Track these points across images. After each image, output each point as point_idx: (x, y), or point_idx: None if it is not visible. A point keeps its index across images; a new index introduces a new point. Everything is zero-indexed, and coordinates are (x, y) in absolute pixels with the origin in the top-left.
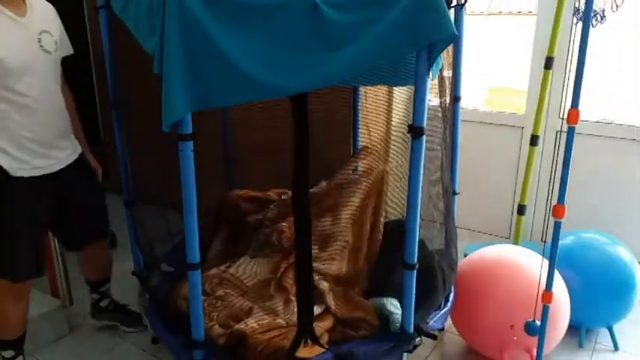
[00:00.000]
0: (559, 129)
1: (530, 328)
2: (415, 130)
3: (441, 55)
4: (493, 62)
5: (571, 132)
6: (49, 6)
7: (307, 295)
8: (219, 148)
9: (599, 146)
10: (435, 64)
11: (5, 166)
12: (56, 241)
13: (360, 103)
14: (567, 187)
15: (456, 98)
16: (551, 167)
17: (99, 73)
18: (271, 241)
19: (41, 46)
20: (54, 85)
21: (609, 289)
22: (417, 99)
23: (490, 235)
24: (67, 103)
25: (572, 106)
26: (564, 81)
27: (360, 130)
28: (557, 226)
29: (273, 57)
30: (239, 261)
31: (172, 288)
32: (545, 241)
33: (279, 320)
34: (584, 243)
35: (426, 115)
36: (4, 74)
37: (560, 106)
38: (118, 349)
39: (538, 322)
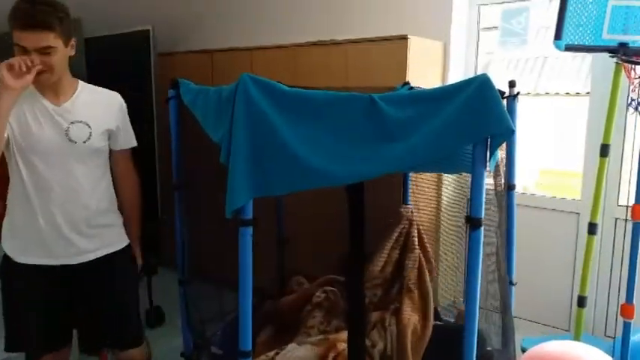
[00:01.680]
0: (617, 216)
1: None
2: (473, 222)
3: (498, 149)
4: (543, 143)
5: (637, 228)
6: (107, 98)
7: None
8: (273, 229)
9: None
10: (493, 157)
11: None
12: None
13: (410, 183)
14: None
15: (510, 186)
16: (612, 256)
17: (161, 155)
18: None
19: (68, 136)
20: (80, 173)
21: None
22: (475, 191)
23: (547, 326)
24: (123, 195)
25: (636, 201)
26: (620, 170)
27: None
28: (626, 328)
29: (333, 148)
30: (287, 347)
31: None
32: (613, 336)
33: None
34: None
35: (483, 207)
36: (31, 152)
37: (618, 194)
38: None
39: None
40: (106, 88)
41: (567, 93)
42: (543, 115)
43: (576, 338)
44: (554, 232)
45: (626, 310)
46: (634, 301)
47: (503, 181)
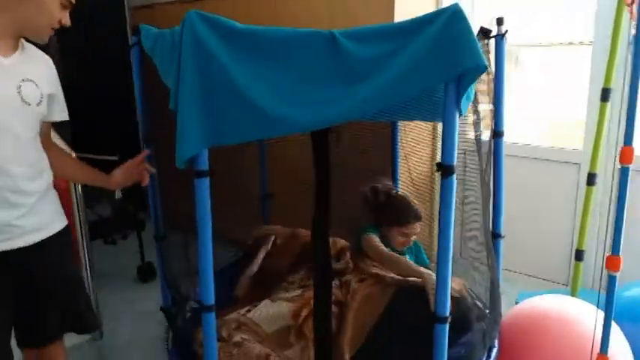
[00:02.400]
0: (620, 166)
1: None
2: (445, 169)
3: (473, 88)
4: (552, 95)
5: (625, 173)
6: (47, 58)
7: (325, 347)
8: (256, 183)
9: None
10: (465, 98)
11: None
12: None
13: (399, 138)
14: (625, 234)
15: (497, 133)
16: (613, 209)
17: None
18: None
19: (20, 95)
20: (31, 144)
21: None
22: (446, 135)
23: (547, 281)
24: (57, 162)
25: (625, 143)
26: (619, 114)
27: (399, 168)
28: (611, 281)
29: (291, 92)
30: (260, 305)
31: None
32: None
33: None
34: None
35: (456, 153)
36: None
37: (617, 142)
38: None
39: None
40: (78, 49)
41: (570, 42)
42: (550, 65)
43: (573, 293)
44: (554, 183)
45: (611, 262)
46: (621, 253)
47: (485, 127)
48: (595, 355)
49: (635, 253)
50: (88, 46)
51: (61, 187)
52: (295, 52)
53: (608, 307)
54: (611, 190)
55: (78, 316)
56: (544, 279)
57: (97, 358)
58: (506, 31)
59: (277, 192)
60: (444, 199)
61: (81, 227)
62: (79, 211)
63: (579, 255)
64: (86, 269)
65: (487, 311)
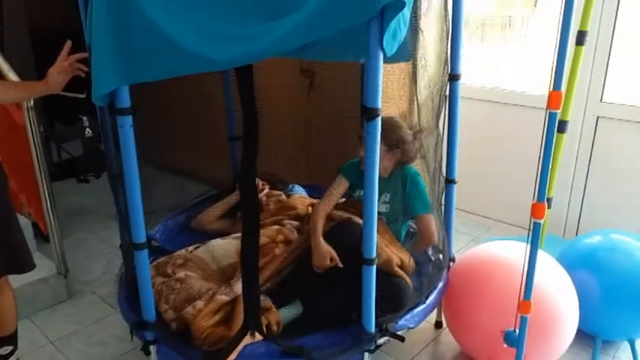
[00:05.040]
0: (599, 114)
1: (509, 339)
2: (369, 112)
3: (400, 27)
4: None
5: (552, 118)
6: None
7: (253, 284)
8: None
9: None
10: (391, 36)
11: None
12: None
13: None
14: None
15: (454, 76)
16: (589, 157)
17: None
18: None
19: None
20: None
21: (634, 297)
22: (369, 76)
23: (519, 227)
24: None
25: (553, 88)
26: (607, 63)
27: None
28: (535, 229)
29: (208, 27)
30: (209, 242)
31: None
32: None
33: (224, 297)
34: (610, 244)
35: (380, 95)
36: None
37: (603, 89)
38: (110, 319)
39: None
40: None
41: None
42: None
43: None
44: (525, 129)
45: (536, 209)
46: (544, 199)
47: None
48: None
49: (614, 204)
50: None
51: (19, 124)
52: None
53: (531, 254)
54: (594, 140)
55: (12, 254)
56: (516, 226)
57: (66, 293)
58: None
59: None
60: (369, 144)
61: (39, 164)
62: (36, 149)
63: (548, 202)
64: (47, 209)
65: (439, 255)
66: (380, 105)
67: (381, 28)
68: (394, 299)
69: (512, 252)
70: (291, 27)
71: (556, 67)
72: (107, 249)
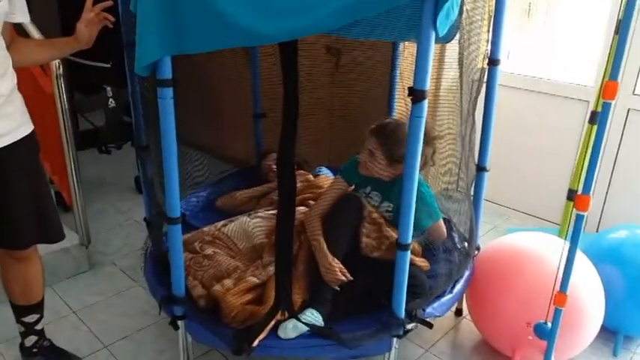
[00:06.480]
0: (630, 106)
1: (539, 331)
2: (416, 94)
3: (453, 7)
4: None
5: (605, 109)
6: None
7: (285, 264)
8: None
9: None
10: (444, 16)
11: None
12: (77, 177)
13: (398, 61)
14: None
15: (493, 61)
16: (617, 150)
17: None
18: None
19: None
20: None
21: None
22: (420, 57)
23: (541, 219)
24: (23, 53)
25: (610, 78)
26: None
27: (397, 92)
28: (578, 221)
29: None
30: (237, 220)
31: None
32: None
33: (255, 279)
34: (637, 239)
35: (429, 77)
36: None
37: (636, 82)
38: (131, 292)
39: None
40: None
41: None
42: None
43: (561, 234)
44: (560, 120)
45: (579, 201)
46: (590, 192)
47: (478, 53)
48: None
49: (638, 199)
50: None
51: (47, 93)
52: None
53: (571, 246)
54: (622, 134)
55: (45, 223)
56: (539, 217)
57: (87, 263)
58: None
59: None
60: (413, 126)
61: (66, 134)
62: (64, 118)
63: (570, 195)
64: (73, 180)
65: (465, 243)
66: (428, 87)
67: (435, 7)
68: (410, 287)
69: (539, 243)
70: (343, 3)
71: (614, 57)
72: (126, 221)
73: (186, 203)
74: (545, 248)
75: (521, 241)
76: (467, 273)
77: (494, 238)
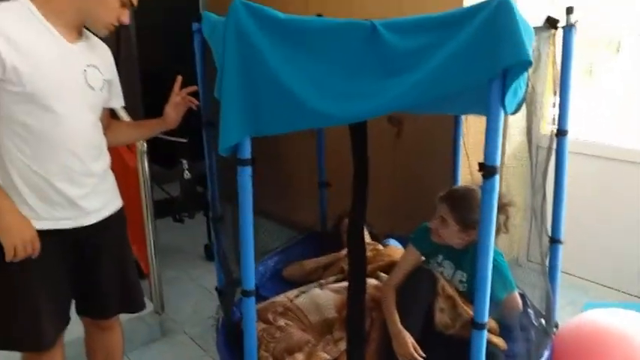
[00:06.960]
0: None
1: None
2: (487, 170)
3: (523, 85)
4: None
5: None
6: (106, 47)
7: (359, 345)
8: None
9: None
10: (512, 94)
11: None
12: (155, 246)
13: (461, 131)
14: None
15: (561, 132)
16: None
17: None
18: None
19: (86, 79)
20: (95, 127)
21: None
22: (489, 134)
23: (623, 293)
24: (115, 134)
25: None
26: None
27: (460, 161)
28: None
29: (329, 83)
30: (308, 291)
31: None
32: None
33: (326, 355)
34: None
35: (499, 152)
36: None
37: None
38: None
39: None
40: (153, 31)
41: None
42: None
43: None
44: (630, 186)
45: None
46: None
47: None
48: None
49: None
50: (161, 30)
51: (131, 166)
52: (335, 44)
53: None
54: None
55: (128, 293)
56: (617, 290)
57: (160, 331)
58: (576, 21)
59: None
60: (486, 202)
61: (146, 206)
62: (145, 190)
63: None
64: (151, 249)
65: (542, 320)
66: (498, 162)
67: (502, 87)
68: None
69: (628, 323)
70: (410, 86)
71: None
72: (196, 288)
73: (255, 272)
74: (635, 329)
75: (603, 319)
76: (546, 353)
77: (572, 314)
